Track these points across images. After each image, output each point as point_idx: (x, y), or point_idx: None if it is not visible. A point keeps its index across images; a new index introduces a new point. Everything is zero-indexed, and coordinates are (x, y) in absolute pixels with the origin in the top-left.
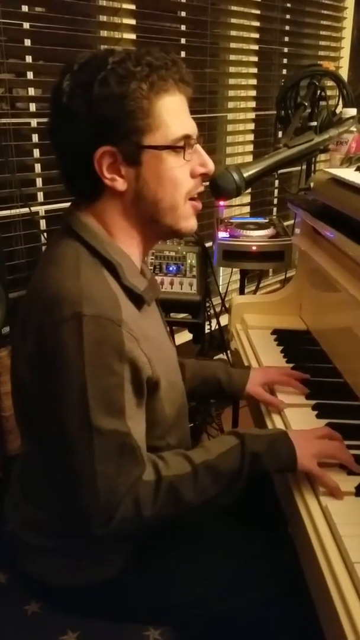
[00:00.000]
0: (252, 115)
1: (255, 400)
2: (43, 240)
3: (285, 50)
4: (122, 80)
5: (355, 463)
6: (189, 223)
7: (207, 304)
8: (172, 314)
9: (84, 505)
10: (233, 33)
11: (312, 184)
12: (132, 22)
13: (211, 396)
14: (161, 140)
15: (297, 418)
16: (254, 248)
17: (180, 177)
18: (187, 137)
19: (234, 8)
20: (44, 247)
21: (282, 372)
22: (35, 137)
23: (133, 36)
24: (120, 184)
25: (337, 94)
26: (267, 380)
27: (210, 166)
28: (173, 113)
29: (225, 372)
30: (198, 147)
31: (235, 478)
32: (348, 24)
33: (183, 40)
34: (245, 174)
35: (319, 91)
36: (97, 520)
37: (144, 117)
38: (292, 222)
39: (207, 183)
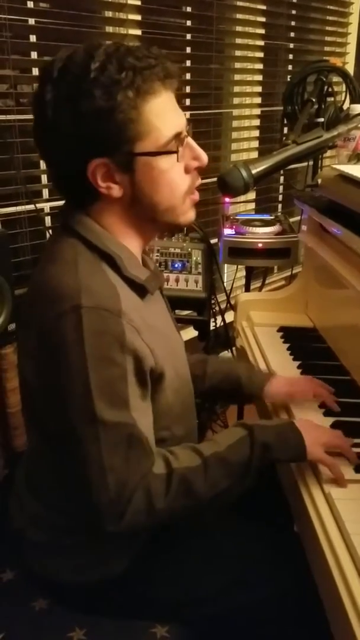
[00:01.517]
0: (257, 111)
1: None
2: (48, 236)
3: (291, 46)
4: (108, 91)
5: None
6: (187, 216)
7: (213, 301)
8: (177, 311)
9: (94, 501)
10: (239, 29)
11: (319, 181)
12: (138, 17)
13: (231, 394)
14: (152, 145)
15: (304, 415)
16: (260, 245)
17: (175, 178)
18: (178, 135)
19: (239, 3)
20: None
21: (307, 383)
22: None
23: (138, 32)
24: (116, 191)
25: (345, 90)
26: (290, 389)
27: (204, 158)
28: (161, 115)
29: (247, 372)
30: (189, 140)
31: (246, 469)
32: (354, 19)
33: (188, 36)
34: (254, 171)
35: (326, 87)
36: (110, 515)
37: (134, 126)
38: (298, 218)
39: (213, 179)
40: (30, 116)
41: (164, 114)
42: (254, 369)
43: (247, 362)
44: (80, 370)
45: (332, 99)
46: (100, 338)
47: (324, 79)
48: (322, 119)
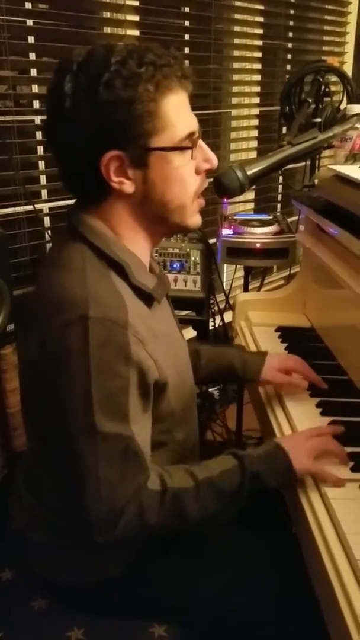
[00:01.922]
0: (256, 111)
1: (260, 395)
2: (47, 237)
3: (290, 46)
4: (128, 83)
5: (346, 454)
6: (195, 219)
7: (211, 301)
8: (176, 311)
9: (87, 510)
10: (237, 29)
11: (316, 181)
12: (136, 18)
13: (226, 382)
14: (168, 141)
15: (301, 416)
16: (258, 245)
17: (186, 176)
18: (191, 135)
19: (237, 4)
20: (48, 245)
21: (299, 359)
22: (39, 135)
23: (137, 32)
24: (128, 187)
25: (342, 90)
26: (283, 366)
27: (214, 161)
28: (177, 112)
29: (240, 359)
30: (201, 142)
31: (236, 497)
32: (352, 19)
33: (187, 36)
34: (249, 172)
35: (323, 87)
36: (101, 527)
37: (151, 119)
38: (296, 218)
39: (211, 180)
40: (29, 117)
41: (179, 112)
42: (246, 355)
43: (240, 348)
44: (83, 381)
45: (329, 99)
46: (105, 350)
47: (321, 80)
48: (319, 120)
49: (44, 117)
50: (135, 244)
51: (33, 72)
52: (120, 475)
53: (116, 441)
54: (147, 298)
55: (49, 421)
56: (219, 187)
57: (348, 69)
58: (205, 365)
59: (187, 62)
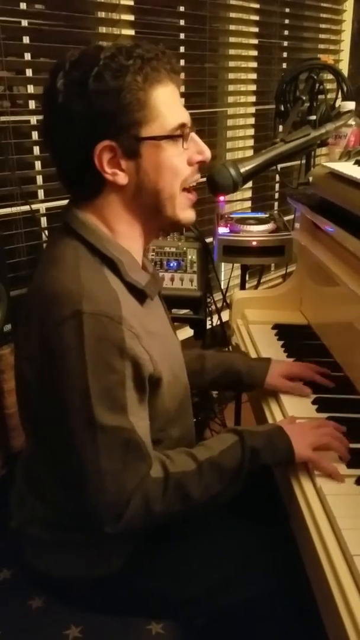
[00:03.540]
0: (252, 109)
1: (257, 393)
2: (44, 237)
3: (285, 44)
4: (117, 75)
5: (348, 453)
6: (187, 214)
7: (208, 300)
8: (173, 310)
9: (93, 505)
10: (232, 27)
11: (311, 179)
12: (131, 18)
13: (231, 387)
14: (159, 130)
15: (297, 412)
16: (254, 243)
17: (178, 165)
18: (183, 126)
19: (233, 2)
20: (44, 245)
21: (304, 366)
22: (35, 135)
23: (132, 32)
24: (122, 178)
25: (337, 87)
26: (288, 373)
27: (207, 153)
28: (168, 103)
29: (245, 364)
30: (194, 135)
31: (237, 474)
32: (348, 16)
33: (182, 35)
34: (242, 170)
35: (317, 85)
36: (107, 518)
37: (141, 108)
38: (292, 216)
39: (205, 179)
40: (25, 117)
41: (169, 103)
42: (252, 361)
43: (244, 354)
44: (80, 376)
45: (324, 96)
46: (100, 344)
47: (316, 77)
48: (314, 117)
49: (40, 117)
50: (129, 241)
51: (29, 73)
52: (123, 466)
53: (117, 433)
54: (140, 295)
55: (48, 418)
56: (213, 184)
57: (344, 66)
58: (212, 370)
59: (182, 62)
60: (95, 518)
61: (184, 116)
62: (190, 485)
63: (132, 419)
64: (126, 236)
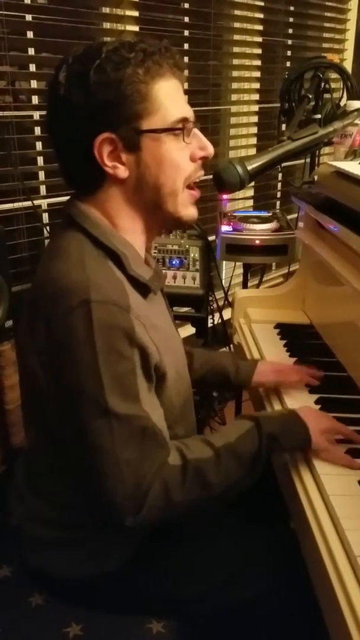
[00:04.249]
0: (255, 108)
1: (258, 391)
2: (46, 233)
3: (289, 42)
4: (118, 67)
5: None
6: (190, 211)
7: (210, 298)
8: (175, 308)
9: (111, 497)
10: (236, 25)
11: (315, 177)
12: (135, 13)
13: (218, 386)
14: (160, 123)
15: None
16: (257, 242)
17: (180, 160)
18: (185, 120)
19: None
20: (46, 241)
21: (291, 369)
22: (37, 130)
23: (136, 28)
24: (122, 171)
25: (342, 86)
26: (276, 369)
27: (210, 149)
28: (170, 97)
29: (233, 363)
30: (196, 131)
31: (255, 459)
32: (352, 15)
33: (186, 32)
34: (249, 167)
35: (323, 83)
36: (127, 509)
37: (142, 100)
38: (295, 215)
39: (211, 176)
40: (28, 112)
41: (171, 97)
42: (238, 360)
43: (232, 354)
44: (91, 365)
45: (329, 95)
46: (109, 332)
47: (321, 75)
48: (319, 116)
49: (43, 112)
50: (132, 236)
51: (32, 68)
52: (141, 455)
53: (132, 421)
54: (143, 289)
55: (60, 411)
56: (219, 182)
57: (348, 65)
58: (199, 367)
59: (186, 58)
60: (115, 511)
61: (186, 111)
62: (209, 472)
63: (145, 407)
64: (129, 231)
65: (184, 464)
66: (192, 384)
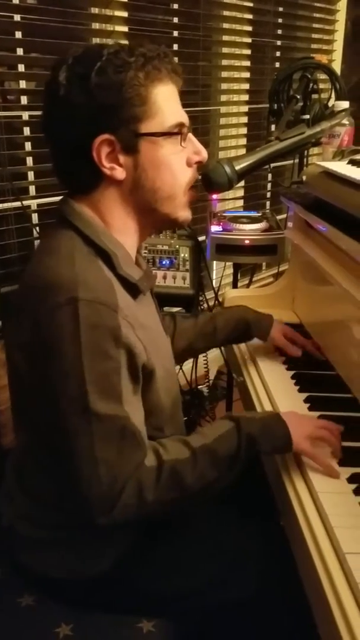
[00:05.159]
0: (245, 108)
1: (249, 391)
2: (35, 234)
3: (279, 43)
4: (119, 70)
5: (340, 452)
6: (185, 213)
7: (201, 298)
8: (166, 308)
9: (85, 494)
10: (226, 26)
11: (304, 178)
12: (124, 14)
13: (239, 340)
14: (158, 127)
15: (289, 406)
16: (247, 242)
17: (176, 165)
18: (182, 125)
19: (226, 0)
20: (36, 241)
21: (294, 332)
22: (27, 131)
23: (125, 29)
24: (119, 173)
25: (330, 87)
26: (286, 332)
27: (204, 154)
28: (168, 101)
29: (253, 315)
30: (191, 136)
31: (233, 460)
32: (341, 16)
33: (175, 33)
34: (237, 167)
35: (311, 84)
36: (99, 508)
37: (141, 104)
38: (285, 215)
39: (199, 177)
40: (16, 113)
41: (169, 102)
42: (258, 313)
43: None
44: (75, 362)
45: (317, 95)
46: (95, 331)
47: (310, 76)
48: (307, 116)
49: (33, 112)
50: (124, 236)
51: (21, 68)
52: (117, 455)
53: (111, 421)
54: (132, 289)
55: (42, 407)
56: (208, 182)
57: (336, 66)
58: (224, 327)
59: (176, 59)
60: (88, 509)
61: (183, 116)
62: (184, 473)
63: (127, 407)
64: (121, 231)
65: (159, 464)
66: (216, 346)
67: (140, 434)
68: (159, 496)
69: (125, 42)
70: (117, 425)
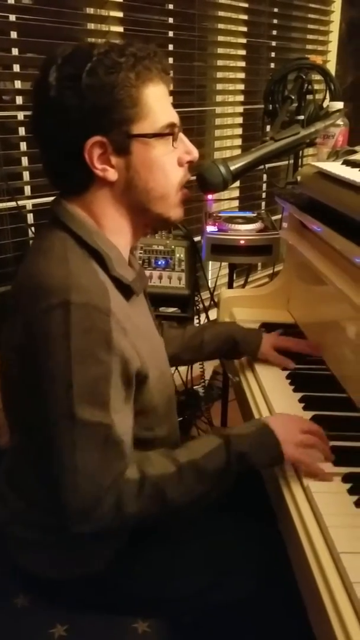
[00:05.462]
0: (240, 109)
1: (244, 392)
2: (30, 234)
3: (274, 44)
4: (110, 71)
5: (331, 454)
6: (177, 212)
7: (196, 298)
8: (161, 308)
9: (64, 500)
10: (221, 26)
11: (299, 178)
12: (120, 14)
13: (227, 356)
14: (149, 128)
15: (285, 411)
16: (242, 242)
17: (168, 165)
18: (173, 125)
19: (222, 1)
20: (31, 241)
21: (291, 340)
22: (22, 131)
23: (120, 29)
24: (112, 174)
25: (325, 87)
26: (278, 345)
27: (195, 153)
28: (158, 102)
29: (241, 333)
30: (182, 135)
31: (222, 476)
32: (336, 17)
33: (171, 33)
34: (232, 167)
35: (306, 85)
36: (75, 515)
37: (133, 105)
38: (280, 216)
39: (194, 177)
40: (12, 113)
41: (160, 102)
42: (246, 330)
43: (238, 325)
44: (64, 366)
45: (312, 96)
46: (87, 335)
47: (304, 77)
48: (302, 117)
49: (28, 113)
50: (117, 236)
51: (16, 68)
52: (98, 464)
53: (95, 429)
54: (125, 291)
55: (31, 408)
56: (202, 182)
57: (331, 66)
58: (210, 342)
59: (171, 60)
60: (64, 515)
61: (174, 115)
62: (168, 489)
63: (114, 416)
64: (114, 232)
65: (141, 477)
66: (202, 360)
67: (124, 444)
68: (140, 509)
69: (115, 41)
70: (100, 433)
